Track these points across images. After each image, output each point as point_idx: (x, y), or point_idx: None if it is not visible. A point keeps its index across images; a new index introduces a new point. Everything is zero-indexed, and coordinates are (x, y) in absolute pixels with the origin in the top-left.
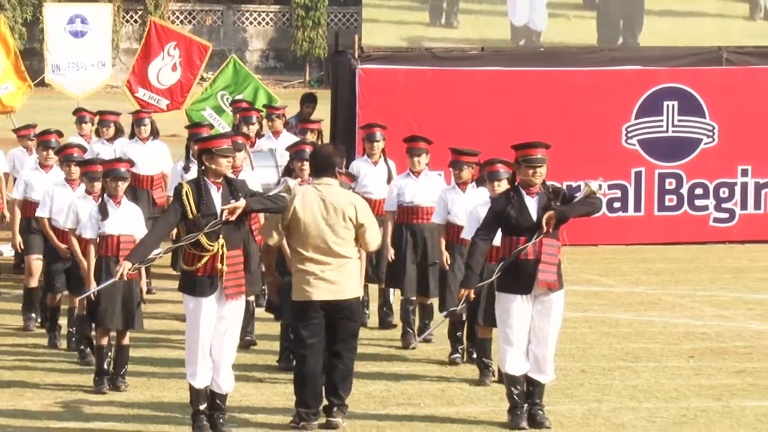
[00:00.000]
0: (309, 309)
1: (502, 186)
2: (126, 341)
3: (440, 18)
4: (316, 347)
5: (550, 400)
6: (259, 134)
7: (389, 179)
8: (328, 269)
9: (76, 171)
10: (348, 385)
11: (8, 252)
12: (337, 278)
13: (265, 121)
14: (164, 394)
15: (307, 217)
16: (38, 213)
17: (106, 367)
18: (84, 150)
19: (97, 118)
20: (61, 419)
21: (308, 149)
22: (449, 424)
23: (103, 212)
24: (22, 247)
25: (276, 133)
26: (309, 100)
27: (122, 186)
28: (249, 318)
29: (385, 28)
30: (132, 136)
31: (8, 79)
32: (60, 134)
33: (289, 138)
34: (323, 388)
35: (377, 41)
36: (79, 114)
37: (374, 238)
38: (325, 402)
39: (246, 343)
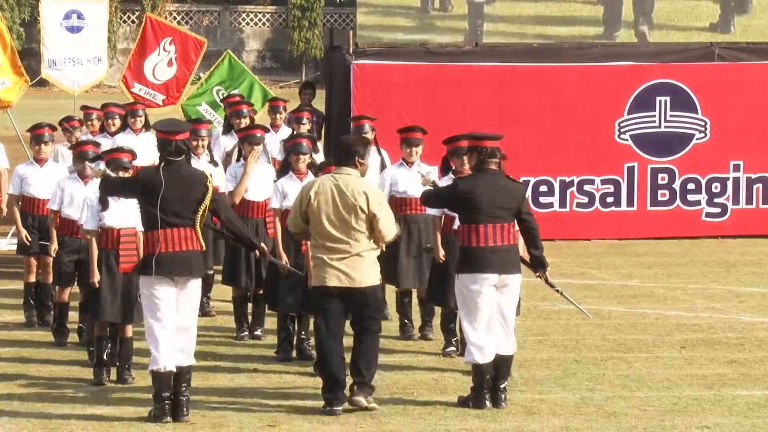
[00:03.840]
0: (324, 295)
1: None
2: (129, 334)
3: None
4: (333, 333)
5: (542, 389)
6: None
7: (382, 168)
8: (339, 258)
9: (46, 150)
10: (366, 360)
11: (5, 246)
12: (349, 266)
13: (268, 114)
14: None
15: (321, 206)
16: (49, 206)
17: (105, 358)
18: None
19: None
20: (56, 406)
21: (305, 143)
22: (443, 413)
23: (104, 203)
24: (30, 239)
25: (275, 127)
26: (307, 87)
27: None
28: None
29: (381, 19)
30: (124, 128)
31: (5, 74)
32: (53, 128)
33: (288, 132)
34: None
35: (374, 32)
36: (86, 111)
37: (388, 229)
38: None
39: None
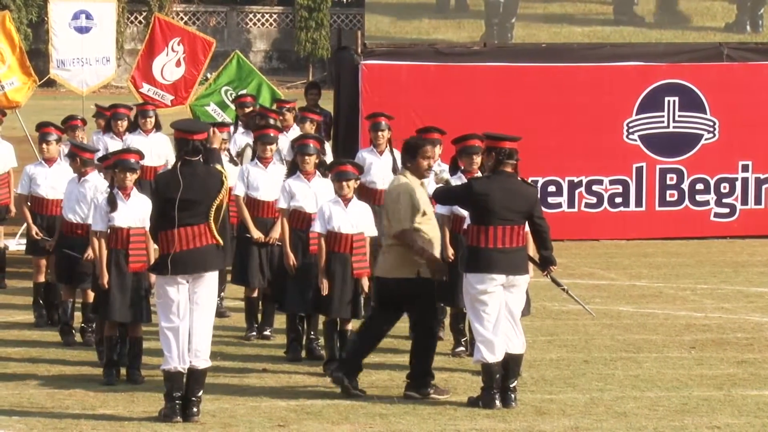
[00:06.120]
0: None
1: (478, 161)
2: (139, 333)
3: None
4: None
5: (552, 389)
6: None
7: (395, 169)
8: None
9: (51, 149)
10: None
11: (15, 246)
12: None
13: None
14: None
15: None
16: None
17: (115, 358)
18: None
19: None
20: (67, 406)
21: (312, 144)
22: (453, 413)
23: (112, 204)
24: (40, 235)
25: (287, 127)
26: (312, 87)
27: (131, 178)
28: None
29: (390, 16)
30: (135, 128)
31: (13, 74)
32: (60, 128)
33: (298, 133)
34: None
35: (382, 31)
36: (98, 109)
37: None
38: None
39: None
